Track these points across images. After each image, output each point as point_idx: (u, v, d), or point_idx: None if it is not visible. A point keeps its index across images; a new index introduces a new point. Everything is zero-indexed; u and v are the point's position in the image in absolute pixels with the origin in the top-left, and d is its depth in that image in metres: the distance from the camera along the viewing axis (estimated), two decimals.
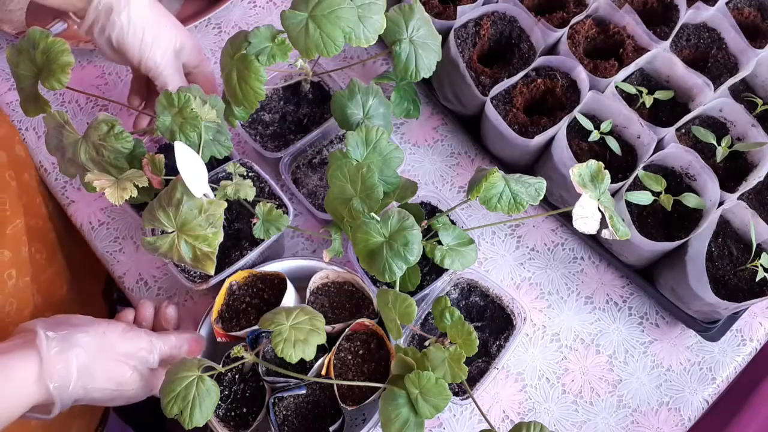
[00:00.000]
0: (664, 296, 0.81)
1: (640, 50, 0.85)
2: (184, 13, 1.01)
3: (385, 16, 0.67)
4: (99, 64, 0.98)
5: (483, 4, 0.88)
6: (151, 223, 0.62)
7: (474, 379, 0.73)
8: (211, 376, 0.61)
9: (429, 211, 0.80)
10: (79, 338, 0.62)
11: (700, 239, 0.75)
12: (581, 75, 0.82)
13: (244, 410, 0.70)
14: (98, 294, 1.04)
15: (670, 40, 0.85)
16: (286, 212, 0.74)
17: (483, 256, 0.86)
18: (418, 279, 0.71)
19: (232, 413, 0.70)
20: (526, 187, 0.63)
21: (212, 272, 0.63)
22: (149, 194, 0.68)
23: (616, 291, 0.85)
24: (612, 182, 0.67)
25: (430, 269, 0.76)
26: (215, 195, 0.67)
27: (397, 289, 0.65)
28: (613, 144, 0.80)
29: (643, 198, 0.76)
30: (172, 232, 0.61)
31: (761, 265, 0.73)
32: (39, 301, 0.83)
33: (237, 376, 0.71)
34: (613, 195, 0.78)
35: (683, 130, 0.83)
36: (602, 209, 0.60)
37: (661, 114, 0.86)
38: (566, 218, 0.86)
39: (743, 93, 0.88)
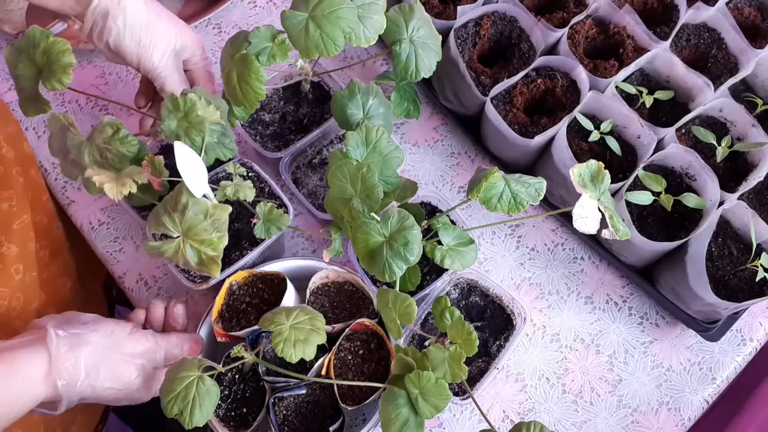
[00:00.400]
0: (664, 296, 0.81)
1: (640, 50, 0.85)
2: (184, 13, 1.01)
3: (385, 16, 0.67)
4: (99, 65, 0.98)
5: (483, 4, 0.88)
6: (157, 228, 0.62)
7: (474, 379, 0.73)
8: (211, 376, 0.61)
9: (429, 211, 0.80)
10: (88, 337, 0.63)
11: (700, 239, 0.75)
12: (581, 75, 0.82)
13: (244, 410, 0.70)
14: (100, 291, 1.05)
15: (670, 40, 0.85)
16: (286, 212, 0.74)
17: (483, 256, 0.86)
18: (418, 279, 0.71)
19: (232, 413, 0.70)
20: (526, 187, 0.63)
21: (218, 275, 0.63)
22: (149, 194, 0.68)
23: (616, 291, 0.85)
24: (612, 182, 0.67)
25: (430, 269, 0.76)
26: (215, 195, 0.67)
27: (397, 289, 0.65)
28: (613, 144, 0.80)
29: (643, 198, 0.76)
30: (177, 237, 0.61)
31: (761, 265, 0.73)
32: (43, 297, 0.84)
33: (237, 376, 0.71)
34: (613, 195, 0.78)
35: (683, 130, 0.83)
36: (602, 209, 0.60)
37: (661, 114, 0.86)
38: (566, 218, 0.86)
39: (743, 93, 0.88)
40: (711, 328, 0.80)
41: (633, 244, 0.77)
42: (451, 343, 0.63)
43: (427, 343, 0.64)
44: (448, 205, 0.77)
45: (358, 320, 0.70)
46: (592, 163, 0.61)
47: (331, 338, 0.70)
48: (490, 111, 0.81)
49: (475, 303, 0.78)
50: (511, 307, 0.77)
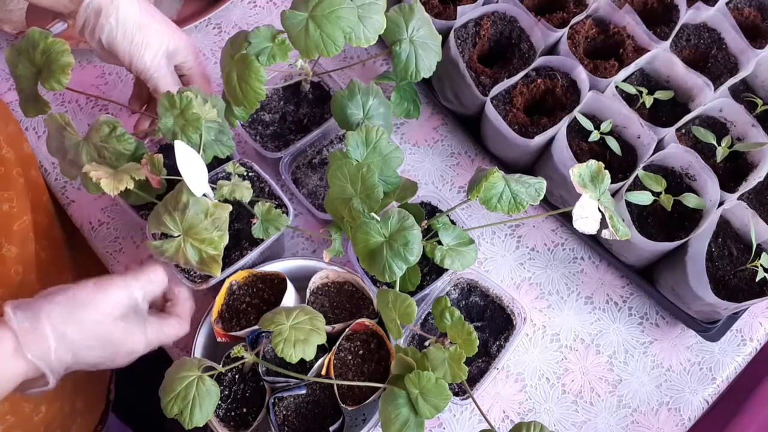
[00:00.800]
0: (664, 296, 0.81)
1: (640, 50, 0.85)
2: (184, 13, 1.01)
3: (385, 16, 0.67)
4: (99, 64, 0.98)
5: (483, 4, 0.88)
6: (157, 227, 0.62)
7: (474, 379, 0.73)
8: (211, 376, 0.61)
9: (429, 211, 0.80)
10: (45, 306, 0.61)
11: (700, 239, 0.75)
12: (581, 75, 0.82)
13: (244, 410, 0.70)
14: None
15: (670, 40, 0.85)
16: (286, 212, 0.74)
17: (483, 256, 0.86)
18: (418, 279, 0.71)
19: (232, 413, 0.70)
20: (526, 187, 0.63)
21: (218, 275, 0.63)
22: (148, 192, 0.68)
23: (616, 291, 0.85)
24: (612, 182, 0.67)
25: (430, 269, 0.76)
26: (214, 195, 0.67)
27: (397, 289, 0.65)
28: (613, 144, 0.80)
29: (643, 198, 0.76)
30: (178, 236, 0.61)
31: (761, 265, 0.73)
32: None
33: (237, 376, 0.71)
34: (613, 195, 0.78)
35: (683, 130, 0.83)
36: (602, 209, 0.60)
37: (661, 114, 0.86)
38: (566, 218, 0.86)
39: (743, 93, 0.88)
40: (711, 328, 0.80)
41: (633, 244, 0.77)
42: (451, 343, 0.63)
43: (427, 343, 0.64)
44: (448, 205, 0.77)
45: (358, 320, 0.70)
46: (592, 163, 0.61)
47: (331, 338, 0.70)
48: (490, 111, 0.81)
49: (475, 303, 0.78)
50: (511, 307, 0.77)
